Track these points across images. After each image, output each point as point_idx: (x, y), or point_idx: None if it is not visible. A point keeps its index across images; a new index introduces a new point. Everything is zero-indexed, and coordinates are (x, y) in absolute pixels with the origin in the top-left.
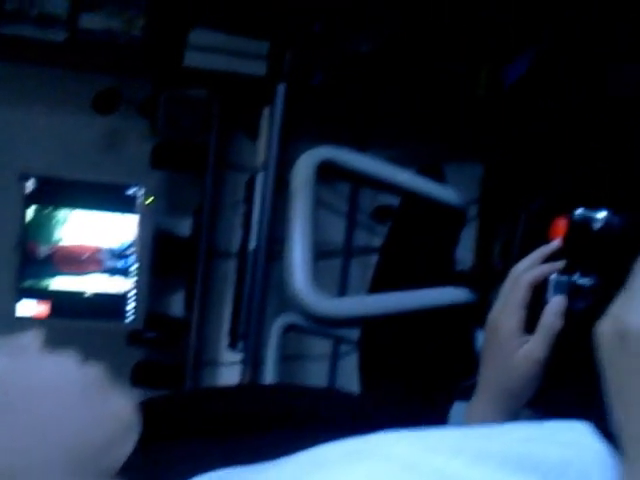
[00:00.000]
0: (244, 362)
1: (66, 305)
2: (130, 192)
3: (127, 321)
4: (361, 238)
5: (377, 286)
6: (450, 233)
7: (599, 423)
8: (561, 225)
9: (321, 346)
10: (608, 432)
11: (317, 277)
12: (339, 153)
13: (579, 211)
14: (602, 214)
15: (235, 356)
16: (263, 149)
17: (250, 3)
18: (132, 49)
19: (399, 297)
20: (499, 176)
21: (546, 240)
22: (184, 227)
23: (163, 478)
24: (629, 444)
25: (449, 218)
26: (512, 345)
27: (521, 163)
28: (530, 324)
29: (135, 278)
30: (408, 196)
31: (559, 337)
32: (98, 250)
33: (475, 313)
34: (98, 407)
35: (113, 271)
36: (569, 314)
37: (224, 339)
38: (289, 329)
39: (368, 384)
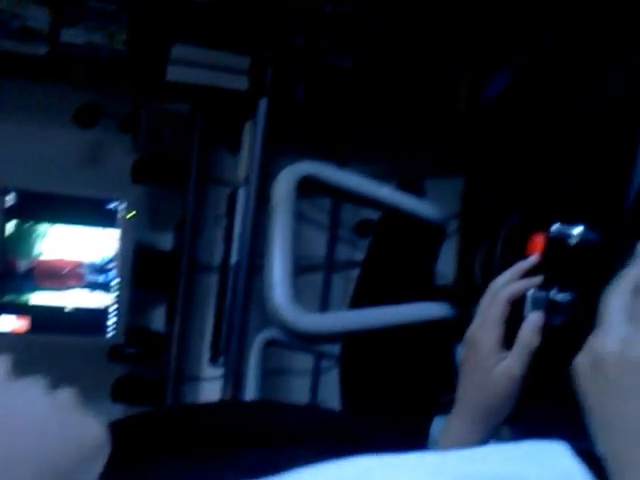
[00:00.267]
0: (225, 377)
1: (46, 320)
2: (111, 206)
3: (108, 336)
4: (343, 252)
5: (358, 301)
6: (430, 248)
7: (577, 442)
8: (538, 241)
9: (303, 361)
10: (585, 451)
11: (299, 292)
12: (319, 168)
13: (555, 227)
14: (578, 230)
15: (216, 371)
16: (245, 163)
17: (232, 18)
18: (114, 63)
19: (379, 313)
20: (480, 190)
21: (524, 255)
22: (165, 241)
23: None
24: (622, 473)
25: (429, 233)
26: (490, 361)
27: (501, 178)
28: (509, 340)
29: (116, 293)
30: (388, 211)
31: (537, 353)
32: (79, 265)
33: (456, 328)
34: (66, 432)
35: (94, 286)
36: (547, 330)
37: (205, 354)
38: (270, 344)
39: (349, 399)
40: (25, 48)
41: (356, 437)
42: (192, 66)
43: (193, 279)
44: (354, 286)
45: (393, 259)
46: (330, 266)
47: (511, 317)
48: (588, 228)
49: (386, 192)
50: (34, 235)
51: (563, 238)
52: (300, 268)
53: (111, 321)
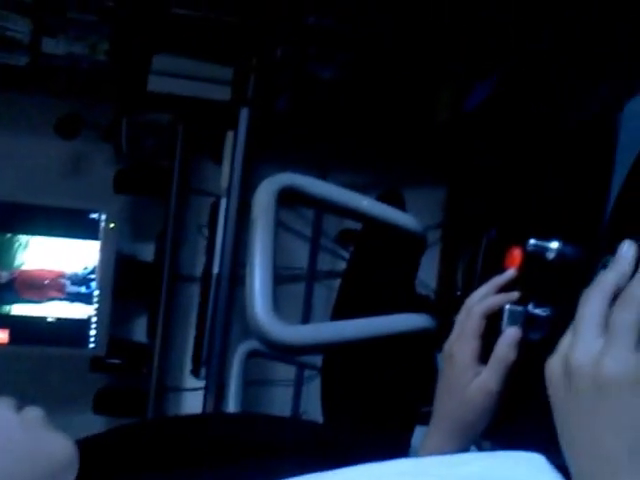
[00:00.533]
0: (207, 388)
1: (27, 332)
2: (93, 217)
3: (89, 347)
4: (326, 262)
5: (339, 312)
6: (410, 259)
7: (554, 454)
8: (516, 255)
9: (285, 372)
10: (564, 467)
11: (281, 302)
12: (299, 179)
13: (532, 241)
14: (555, 244)
15: (199, 382)
16: (227, 174)
17: (214, 29)
18: (95, 74)
19: (359, 324)
20: (462, 201)
21: (503, 269)
22: (147, 252)
23: None
24: None
25: (409, 244)
26: (466, 376)
27: (482, 187)
28: (485, 354)
29: (97, 304)
30: (369, 222)
31: (514, 368)
32: (60, 276)
33: (437, 339)
34: (34, 450)
35: (75, 297)
36: (524, 344)
37: (187, 365)
38: (252, 355)
39: (330, 410)
40: (6, 59)
41: (337, 449)
42: (174, 76)
43: (175, 290)
44: (336, 297)
45: (374, 270)
46: (312, 276)
47: (488, 331)
48: (565, 242)
49: (366, 203)
50: (15, 246)
51: (540, 252)
52: (283, 278)
53: (92, 332)
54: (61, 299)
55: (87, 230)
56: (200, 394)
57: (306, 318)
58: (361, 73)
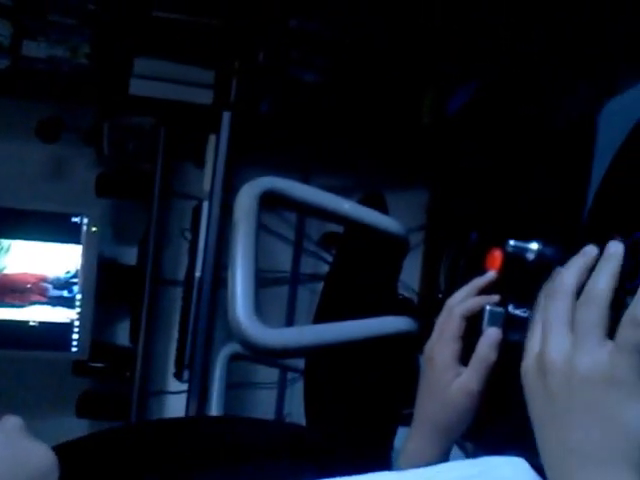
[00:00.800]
0: (190, 391)
1: (9, 336)
2: (75, 221)
3: (72, 351)
4: (309, 265)
5: (322, 315)
6: (392, 262)
7: (535, 455)
8: (496, 256)
9: (269, 374)
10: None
11: (264, 305)
12: (281, 183)
13: (511, 242)
14: (534, 245)
15: (182, 385)
16: (209, 177)
17: (196, 32)
18: (77, 77)
19: (341, 327)
20: (445, 203)
21: (484, 271)
22: (130, 255)
23: None
24: None
25: (391, 247)
26: (447, 377)
27: (464, 190)
28: (466, 356)
29: (80, 308)
30: (351, 225)
31: (494, 369)
32: (42, 279)
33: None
34: (13, 458)
35: (57, 301)
36: (505, 345)
37: (170, 368)
38: (235, 358)
39: (313, 413)
40: None
41: (321, 452)
42: (156, 80)
43: (158, 293)
44: (318, 300)
45: (356, 273)
46: (296, 279)
47: (469, 333)
48: (545, 243)
49: (348, 206)
50: None
51: (520, 253)
52: (266, 281)
53: (75, 336)
54: (43, 303)
55: (69, 234)
56: (183, 397)
57: (290, 321)
58: (344, 76)
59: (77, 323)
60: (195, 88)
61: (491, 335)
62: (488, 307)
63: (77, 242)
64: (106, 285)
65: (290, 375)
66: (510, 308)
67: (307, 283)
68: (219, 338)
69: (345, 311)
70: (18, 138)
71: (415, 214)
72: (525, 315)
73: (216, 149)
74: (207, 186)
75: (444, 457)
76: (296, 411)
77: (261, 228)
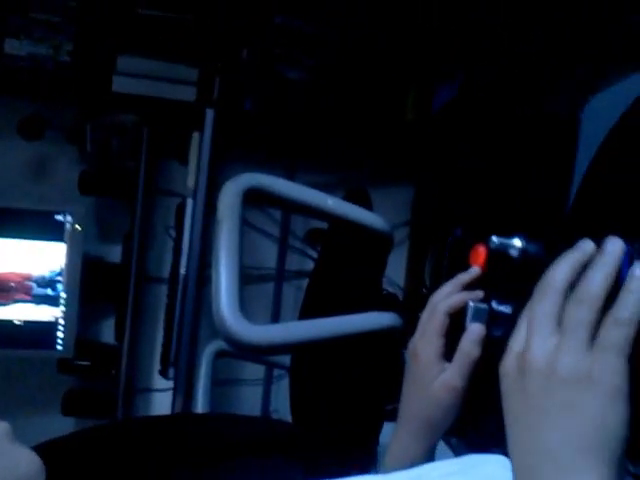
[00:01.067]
0: (176, 389)
1: None
2: (58, 219)
3: (57, 349)
4: (294, 261)
5: (307, 312)
6: (377, 258)
7: None
8: (480, 252)
9: (254, 370)
10: None
11: (250, 302)
12: (264, 179)
13: (494, 238)
14: (518, 241)
15: (167, 382)
16: (193, 174)
17: (179, 29)
18: (59, 75)
19: (326, 323)
20: (429, 199)
21: (468, 267)
22: (114, 253)
23: None
24: None
25: (376, 243)
26: (431, 373)
27: (449, 186)
28: (450, 352)
29: (65, 306)
30: (335, 222)
31: (478, 365)
32: (26, 278)
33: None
34: (1, 466)
35: (42, 299)
36: (488, 341)
37: (156, 366)
38: (221, 355)
39: (299, 409)
40: None
41: (307, 448)
42: (139, 77)
43: (142, 291)
44: (303, 297)
45: (341, 269)
46: (281, 276)
47: (452, 329)
48: (528, 239)
49: (332, 203)
50: None
51: (503, 249)
52: (251, 278)
53: (60, 334)
54: (27, 301)
55: (53, 232)
56: (169, 395)
57: (275, 318)
58: (328, 73)
59: (62, 321)
60: (179, 85)
61: (474, 331)
62: (472, 303)
63: (61, 240)
64: (91, 283)
65: (276, 372)
66: (494, 304)
67: (292, 280)
68: (204, 335)
69: (330, 307)
70: (0, 136)
71: (400, 210)
72: (508, 311)
73: (200, 146)
74: (191, 183)
75: (430, 453)
76: (282, 408)
77: (246, 225)
